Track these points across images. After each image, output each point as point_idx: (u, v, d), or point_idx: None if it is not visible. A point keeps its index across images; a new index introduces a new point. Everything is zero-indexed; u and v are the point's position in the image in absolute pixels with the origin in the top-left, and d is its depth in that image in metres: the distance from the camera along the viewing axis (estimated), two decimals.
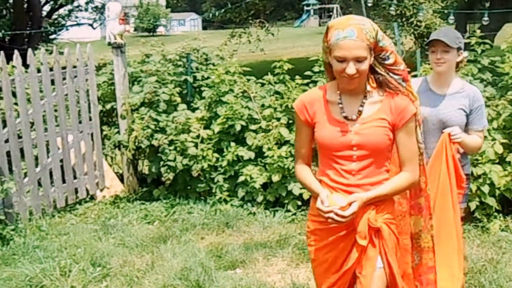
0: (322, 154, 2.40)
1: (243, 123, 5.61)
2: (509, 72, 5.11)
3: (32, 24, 14.83)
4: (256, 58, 16.44)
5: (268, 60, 11.28)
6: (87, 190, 6.02)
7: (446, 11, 9.83)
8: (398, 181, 2.36)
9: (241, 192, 5.53)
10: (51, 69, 5.61)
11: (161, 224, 5.28)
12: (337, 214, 2.22)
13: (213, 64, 6.63)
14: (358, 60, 2.19)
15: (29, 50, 5.40)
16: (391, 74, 2.31)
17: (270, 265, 4.36)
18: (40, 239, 4.89)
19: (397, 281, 2.37)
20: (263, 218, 5.22)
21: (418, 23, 11.25)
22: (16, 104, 5.39)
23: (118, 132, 6.19)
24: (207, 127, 5.86)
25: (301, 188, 5.20)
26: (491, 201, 4.77)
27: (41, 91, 5.60)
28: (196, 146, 5.64)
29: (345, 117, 2.31)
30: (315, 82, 5.58)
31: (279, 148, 5.39)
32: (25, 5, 15.12)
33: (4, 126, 5.24)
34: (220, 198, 5.58)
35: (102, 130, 6.31)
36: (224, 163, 5.58)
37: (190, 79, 6.41)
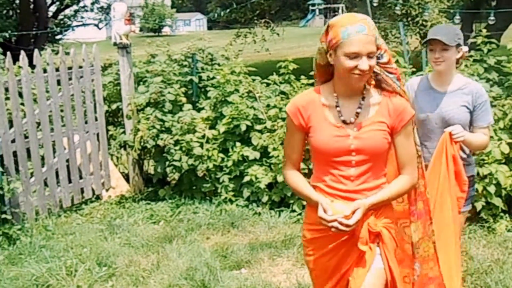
0: (318, 159, 2.31)
1: (249, 123, 5.61)
2: None
3: (38, 24, 14.91)
4: (262, 58, 16.45)
5: (273, 60, 11.27)
6: (93, 190, 6.04)
7: (452, 11, 9.80)
8: (398, 185, 2.31)
9: (246, 192, 5.53)
10: (57, 70, 5.63)
11: (167, 224, 5.29)
12: (341, 223, 2.14)
13: (219, 64, 6.63)
14: (369, 55, 2.13)
15: (36, 51, 5.42)
16: (386, 73, 2.29)
17: (275, 265, 4.36)
18: (46, 239, 4.91)
19: (398, 286, 2.30)
20: (268, 218, 5.23)
21: (424, 23, 11.23)
22: (22, 104, 5.41)
23: (124, 132, 6.21)
24: (212, 127, 5.87)
25: None
26: (497, 202, 4.75)
27: (47, 92, 5.62)
28: (201, 146, 5.64)
29: (343, 121, 2.23)
30: None
31: None
32: (31, 6, 15.19)
33: (11, 126, 5.26)
34: (226, 198, 5.58)
35: (108, 130, 6.33)
36: (230, 163, 5.59)
37: (196, 79, 6.42)
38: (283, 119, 5.54)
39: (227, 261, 4.40)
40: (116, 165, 6.52)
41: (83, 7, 19.33)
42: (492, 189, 4.71)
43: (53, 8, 17.85)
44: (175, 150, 5.66)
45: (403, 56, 6.11)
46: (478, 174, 4.65)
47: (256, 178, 5.41)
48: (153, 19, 46.19)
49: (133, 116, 6.01)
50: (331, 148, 2.22)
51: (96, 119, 6.04)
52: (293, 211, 5.32)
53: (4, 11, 15.57)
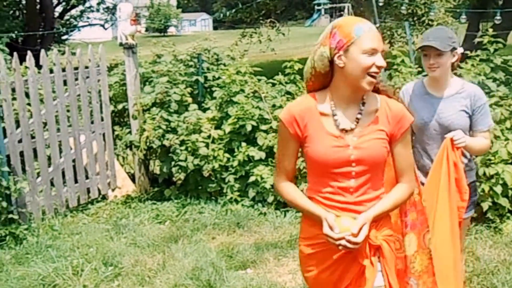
0: (314, 171, 2.18)
1: (254, 123, 5.61)
2: None
3: (44, 25, 14.96)
4: (267, 58, 16.43)
5: (278, 60, 11.27)
6: (99, 190, 6.06)
7: (458, 10, 9.77)
8: (398, 194, 2.20)
9: (252, 192, 5.53)
10: (63, 70, 5.65)
11: (172, 224, 5.30)
12: (349, 241, 2.03)
13: (224, 64, 6.64)
14: (382, 54, 2.07)
15: (42, 51, 5.44)
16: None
17: (281, 265, 4.36)
18: (53, 239, 4.93)
19: None
20: (274, 218, 5.22)
21: (430, 22, 11.21)
22: (29, 104, 5.43)
23: (130, 132, 6.22)
24: (218, 127, 5.87)
25: None
26: (504, 202, 4.73)
27: (53, 92, 5.64)
28: (207, 146, 5.65)
29: (342, 130, 2.11)
30: None
31: None
32: (38, 6, 15.25)
33: (18, 126, 5.28)
34: (231, 198, 5.59)
35: (113, 130, 6.35)
36: (235, 163, 5.59)
37: (201, 79, 6.43)
38: None
39: (233, 261, 4.41)
40: (122, 165, 6.54)
41: (89, 7, 19.39)
42: (498, 189, 4.68)
43: (59, 9, 17.92)
44: (181, 150, 5.66)
45: (409, 56, 6.10)
46: (484, 174, 4.64)
47: (262, 178, 5.41)
48: (159, 19, 46.23)
49: (139, 116, 6.02)
50: (330, 159, 2.09)
51: (102, 119, 6.06)
52: (299, 211, 5.30)
53: (11, 12, 15.64)
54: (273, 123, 5.60)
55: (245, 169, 5.59)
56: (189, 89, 6.10)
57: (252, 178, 5.46)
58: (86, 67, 5.88)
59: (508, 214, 4.82)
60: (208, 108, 6.14)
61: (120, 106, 6.48)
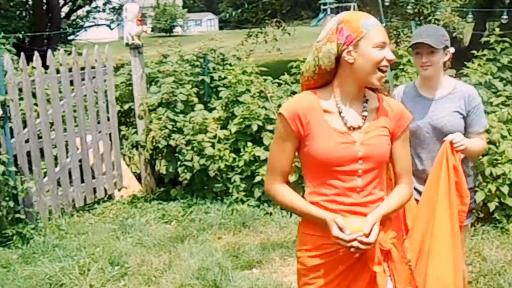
0: (317, 172, 2.05)
1: (260, 123, 5.61)
2: None
3: (51, 25, 15.02)
4: (273, 58, 16.41)
5: (284, 60, 11.25)
6: (105, 189, 6.07)
7: (464, 9, 9.74)
8: (401, 194, 2.13)
9: (257, 192, 5.53)
10: (70, 70, 5.67)
11: (178, 224, 5.31)
12: (361, 242, 1.92)
13: (230, 64, 6.65)
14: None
15: (49, 52, 5.46)
16: None
17: (286, 265, 4.36)
18: (60, 238, 4.95)
19: None
20: (280, 218, 5.22)
21: (436, 22, 11.15)
22: (36, 104, 5.45)
23: (136, 132, 6.24)
24: (224, 127, 5.88)
25: None
26: (511, 202, 4.71)
27: (60, 92, 5.66)
28: (213, 146, 5.65)
29: (349, 128, 2.02)
30: None
31: None
32: (44, 7, 15.31)
33: (25, 126, 5.30)
34: (237, 198, 5.59)
35: (120, 130, 6.37)
36: (241, 163, 5.59)
37: (207, 79, 6.43)
38: None
39: (239, 261, 4.41)
40: (128, 165, 6.56)
41: (95, 7, 19.44)
42: (505, 189, 4.66)
43: (65, 9, 17.97)
44: (187, 150, 5.67)
45: None
46: (491, 174, 4.62)
47: None
48: (165, 20, 46.29)
49: (145, 116, 6.04)
50: (335, 156, 1.99)
51: (108, 119, 6.08)
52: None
53: (18, 12, 15.70)
54: None
55: (251, 169, 5.59)
56: (195, 89, 6.11)
57: (258, 178, 5.47)
58: (93, 67, 5.90)
59: None
60: (214, 108, 6.14)
61: (126, 106, 6.50)
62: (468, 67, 5.28)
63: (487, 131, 4.68)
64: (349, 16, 2.01)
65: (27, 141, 5.30)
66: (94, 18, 19.64)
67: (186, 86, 6.04)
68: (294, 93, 5.90)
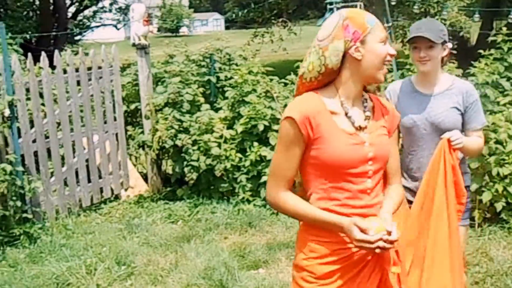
0: (327, 175, 1.95)
1: (266, 123, 5.61)
2: None
3: (58, 25, 15.08)
4: (279, 58, 16.41)
5: (290, 59, 11.25)
6: (112, 189, 6.09)
7: (471, 9, 9.70)
8: (397, 195, 2.10)
9: (264, 192, 5.53)
10: (76, 70, 5.69)
11: (185, 224, 5.32)
12: (386, 241, 1.85)
13: (236, 64, 6.65)
14: None
15: (56, 52, 5.49)
16: None
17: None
18: (67, 238, 4.97)
19: None
20: (286, 218, 5.22)
21: (443, 21, 11.12)
22: (43, 104, 5.48)
23: (142, 132, 6.25)
24: (230, 127, 5.88)
25: None
26: None
27: (67, 92, 5.68)
28: (219, 146, 5.66)
29: (357, 128, 1.96)
30: None
31: None
32: (51, 7, 15.38)
33: (32, 126, 5.33)
34: (243, 198, 5.60)
35: (126, 130, 6.39)
36: (247, 163, 5.60)
37: (213, 79, 6.44)
38: None
39: (245, 261, 4.41)
40: (134, 165, 6.58)
41: (102, 8, 19.52)
42: None
43: (72, 9, 18.04)
44: (193, 150, 5.68)
45: None
46: (498, 174, 4.60)
47: None
48: (171, 20, 46.37)
49: (152, 116, 6.05)
50: (347, 158, 1.92)
51: (115, 119, 6.10)
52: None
53: (25, 13, 15.78)
54: None
55: (257, 169, 5.60)
56: (201, 89, 6.12)
57: (264, 178, 5.47)
58: (99, 68, 5.92)
59: None
60: (220, 108, 6.15)
61: (132, 106, 6.52)
62: (475, 67, 5.26)
63: (494, 131, 4.67)
64: (352, 13, 1.96)
65: (34, 141, 5.33)
66: (101, 18, 19.73)
67: (193, 86, 6.05)
68: None
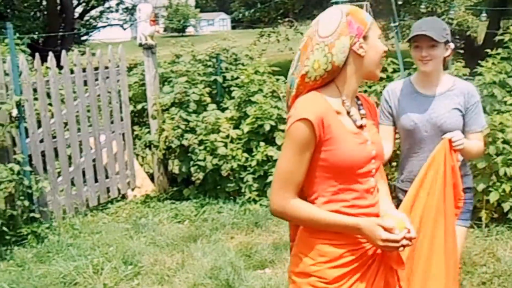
0: (337, 176, 1.88)
1: (272, 123, 5.61)
2: None
3: (65, 26, 15.14)
4: (285, 58, 16.38)
5: None
6: (118, 189, 6.11)
7: (478, 8, 9.67)
8: (387, 193, 2.08)
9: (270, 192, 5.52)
10: (84, 70, 5.71)
11: (191, 224, 5.33)
12: (409, 239, 1.84)
13: (243, 64, 6.65)
14: None
15: (63, 52, 5.51)
16: None
17: None
18: (74, 237, 4.99)
19: None
20: None
21: (450, 21, 11.09)
22: (50, 104, 5.50)
23: (149, 132, 6.27)
24: (236, 127, 5.89)
25: None
26: None
27: (74, 92, 5.71)
28: (225, 146, 5.67)
29: (359, 126, 1.93)
30: None
31: None
32: (58, 8, 15.44)
33: (39, 126, 5.35)
34: (250, 197, 5.60)
35: (133, 130, 6.40)
36: (254, 163, 5.60)
37: (220, 79, 6.45)
38: None
39: (251, 261, 4.42)
40: (141, 165, 6.59)
41: (108, 8, 19.57)
42: None
43: (79, 9, 18.11)
44: (200, 150, 5.69)
45: None
46: (505, 174, 4.58)
47: None
48: (177, 19, 46.44)
49: (158, 116, 6.06)
50: (356, 158, 1.88)
51: (121, 119, 6.12)
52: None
53: (32, 13, 15.85)
54: None
55: (263, 168, 5.60)
56: (207, 89, 6.13)
57: (270, 178, 5.47)
58: (106, 68, 5.94)
59: None
60: (227, 108, 6.16)
61: (139, 106, 6.53)
62: (482, 66, 5.24)
63: (502, 131, 4.65)
64: (352, 9, 1.91)
65: (41, 141, 5.35)
66: (107, 18, 19.78)
67: (199, 86, 6.06)
68: None
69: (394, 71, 5.52)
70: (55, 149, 5.48)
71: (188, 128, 5.82)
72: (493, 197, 4.58)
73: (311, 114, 1.81)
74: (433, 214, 2.48)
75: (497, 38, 5.65)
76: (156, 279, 4.18)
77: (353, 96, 1.96)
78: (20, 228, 4.88)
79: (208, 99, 6.06)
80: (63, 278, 4.19)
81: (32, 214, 5.05)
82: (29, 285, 4.13)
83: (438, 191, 2.49)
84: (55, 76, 5.43)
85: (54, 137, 5.47)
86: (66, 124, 5.60)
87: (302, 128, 1.82)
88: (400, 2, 8.05)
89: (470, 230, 4.63)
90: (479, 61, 5.38)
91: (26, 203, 4.94)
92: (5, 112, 4.91)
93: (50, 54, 5.37)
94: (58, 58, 5.46)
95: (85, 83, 5.76)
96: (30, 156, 5.18)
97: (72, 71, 5.61)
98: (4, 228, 4.69)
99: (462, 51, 7.94)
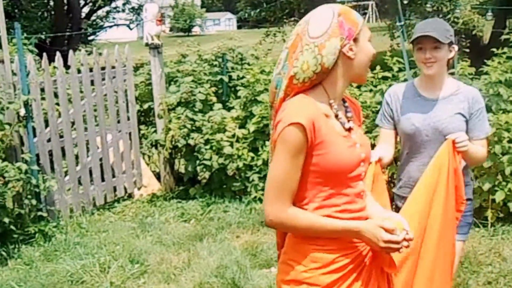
0: (328, 181, 1.83)
1: None
2: None
3: (72, 25, 15.21)
4: None
5: None
6: (125, 188, 6.14)
7: (484, 7, 9.64)
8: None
9: None
10: (90, 70, 5.74)
11: (197, 223, 5.34)
12: (408, 239, 1.82)
13: (248, 64, 6.66)
14: None
15: (70, 52, 5.55)
16: None
17: None
18: (81, 236, 5.02)
19: None
20: None
21: (456, 20, 11.07)
22: (57, 104, 5.53)
23: (155, 132, 6.29)
24: (242, 126, 5.90)
25: None
26: None
27: (81, 92, 5.74)
28: (231, 145, 5.68)
29: (348, 129, 1.87)
30: None
31: None
32: (65, 8, 15.51)
33: (47, 125, 5.38)
34: (255, 197, 5.61)
35: (139, 130, 6.43)
36: (259, 162, 5.61)
37: (226, 79, 6.46)
38: None
39: (257, 260, 4.43)
40: (147, 164, 6.62)
41: (115, 8, 19.64)
42: None
43: (86, 9, 18.18)
44: (206, 149, 5.71)
45: None
46: (511, 173, 4.57)
47: None
48: (183, 19, 46.51)
49: (164, 116, 6.09)
50: (348, 162, 1.83)
51: (128, 119, 6.14)
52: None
53: (39, 13, 15.93)
54: None
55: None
56: (213, 89, 6.15)
57: None
58: (113, 67, 5.97)
59: None
60: (233, 107, 6.17)
61: (146, 106, 6.56)
62: (488, 65, 5.23)
63: (507, 130, 4.64)
64: (343, 8, 1.85)
65: (49, 140, 5.38)
66: (114, 18, 19.85)
67: (205, 86, 6.08)
68: None
69: (400, 70, 5.52)
70: (62, 149, 5.51)
71: (194, 128, 5.84)
72: (499, 196, 4.58)
73: (303, 118, 1.75)
74: (439, 218, 2.40)
75: (503, 37, 5.63)
76: (162, 278, 4.20)
77: (340, 98, 1.91)
78: (27, 227, 4.92)
79: (214, 99, 6.08)
80: (70, 277, 4.22)
81: (39, 213, 5.09)
82: (36, 283, 4.16)
83: (439, 194, 2.42)
84: (62, 75, 5.47)
85: (61, 137, 5.51)
86: (73, 123, 5.64)
87: (295, 132, 1.75)
88: (405, 1, 8.04)
89: (476, 229, 4.64)
90: (485, 60, 5.37)
91: (34, 202, 4.98)
92: (13, 111, 4.95)
93: (57, 54, 5.40)
94: (65, 58, 5.50)
95: (92, 82, 5.79)
96: (37, 155, 5.21)
97: (79, 71, 5.65)
98: (12, 227, 4.72)
99: (467, 50, 7.92)
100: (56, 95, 5.50)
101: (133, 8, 20.16)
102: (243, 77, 6.34)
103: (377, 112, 3.30)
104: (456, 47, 2.74)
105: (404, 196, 2.69)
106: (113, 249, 4.69)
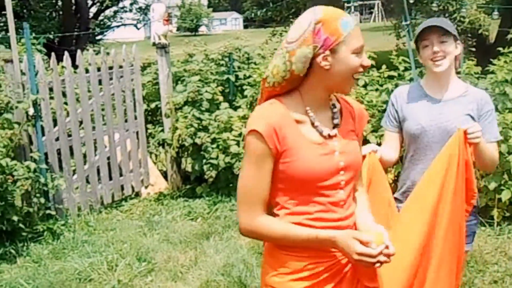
0: (297, 189, 1.78)
1: None
2: None
3: (80, 25, 15.28)
4: None
5: None
6: (132, 187, 6.17)
7: (490, 6, 9.60)
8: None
9: None
10: (98, 70, 5.78)
11: (204, 221, 5.37)
12: (387, 255, 1.71)
13: (255, 63, 6.69)
14: None
15: (78, 52, 5.59)
16: None
17: None
18: (88, 234, 5.05)
19: None
20: None
21: (462, 19, 11.03)
22: (66, 103, 5.57)
23: (162, 131, 6.32)
24: None
25: None
26: None
27: (89, 91, 5.78)
28: (238, 144, 5.70)
29: (326, 137, 1.79)
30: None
31: None
32: (73, 8, 15.59)
33: (55, 125, 5.43)
34: None
35: (147, 129, 6.46)
36: None
37: (232, 78, 6.48)
38: None
39: None
40: (154, 163, 6.65)
41: (122, 8, 19.71)
42: None
43: (93, 9, 18.26)
44: (212, 148, 5.73)
45: None
46: None
47: None
48: (190, 19, 46.56)
49: (171, 115, 6.12)
50: (317, 170, 1.76)
51: (135, 118, 6.18)
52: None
53: (47, 13, 16.02)
54: None
55: None
56: (220, 88, 6.17)
57: None
58: (120, 67, 6.00)
59: None
60: (239, 107, 6.19)
61: (153, 105, 6.59)
62: (494, 64, 5.22)
63: None
64: (326, 15, 1.73)
65: (57, 139, 5.42)
66: (121, 18, 19.92)
67: (212, 85, 6.10)
68: None
69: (406, 69, 5.53)
70: (71, 147, 5.55)
71: (201, 127, 5.87)
72: (505, 195, 4.57)
73: (261, 126, 1.72)
74: (447, 215, 2.32)
75: (509, 36, 5.63)
76: (169, 276, 4.23)
77: (322, 104, 1.83)
78: (36, 225, 4.96)
79: (221, 98, 6.10)
80: (78, 274, 4.26)
81: (48, 211, 5.13)
82: (45, 281, 4.20)
83: (450, 189, 2.32)
84: (70, 75, 5.51)
85: (69, 136, 5.55)
86: (81, 122, 5.68)
87: (254, 140, 1.73)
88: (411, 1, 8.02)
89: (482, 228, 4.64)
90: (491, 60, 5.37)
91: (42, 200, 5.02)
92: (22, 110, 4.99)
93: (66, 53, 5.44)
94: (73, 57, 5.53)
95: (100, 82, 5.83)
96: (46, 154, 5.26)
97: (87, 71, 5.69)
98: (21, 225, 4.76)
99: (473, 50, 7.89)
100: (64, 95, 5.54)
101: (140, 8, 20.23)
102: (249, 76, 6.37)
103: (383, 111, 3.31)
104: (461, 45, 2.61)
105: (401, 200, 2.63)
106: (121, 247, 4.72)
